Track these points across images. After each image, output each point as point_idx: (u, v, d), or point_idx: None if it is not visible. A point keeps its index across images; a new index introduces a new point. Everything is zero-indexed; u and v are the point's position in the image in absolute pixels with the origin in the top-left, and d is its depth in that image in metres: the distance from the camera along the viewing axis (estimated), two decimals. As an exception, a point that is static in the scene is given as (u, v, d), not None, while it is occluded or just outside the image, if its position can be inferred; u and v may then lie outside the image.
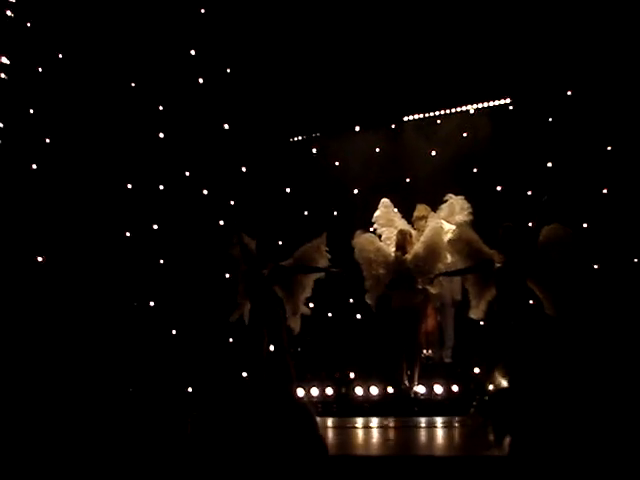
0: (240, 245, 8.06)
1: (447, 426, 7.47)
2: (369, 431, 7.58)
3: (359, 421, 8.14)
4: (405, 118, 10.99)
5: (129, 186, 10.43)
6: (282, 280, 8.01)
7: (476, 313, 7.57)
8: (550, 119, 9.91)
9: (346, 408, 8.76)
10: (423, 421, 7.81)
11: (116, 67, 10.25)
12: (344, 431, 7.57)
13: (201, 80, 10.75)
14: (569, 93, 9.82)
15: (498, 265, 7.32)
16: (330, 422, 8.10)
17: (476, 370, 8.44)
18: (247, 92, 10.73)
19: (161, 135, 10.63)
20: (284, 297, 8.06)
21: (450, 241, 7.94)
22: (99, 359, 9.31)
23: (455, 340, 9.14)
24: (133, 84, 10.49)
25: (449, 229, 8.42)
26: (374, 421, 8.05)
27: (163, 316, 10.17)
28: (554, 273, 7.20)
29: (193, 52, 10.67)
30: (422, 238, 8.48)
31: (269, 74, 10.63)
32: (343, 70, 10.38)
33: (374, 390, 8.76)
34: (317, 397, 8.93)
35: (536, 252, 7.26)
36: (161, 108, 10.68)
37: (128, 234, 10.27)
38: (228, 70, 10.86)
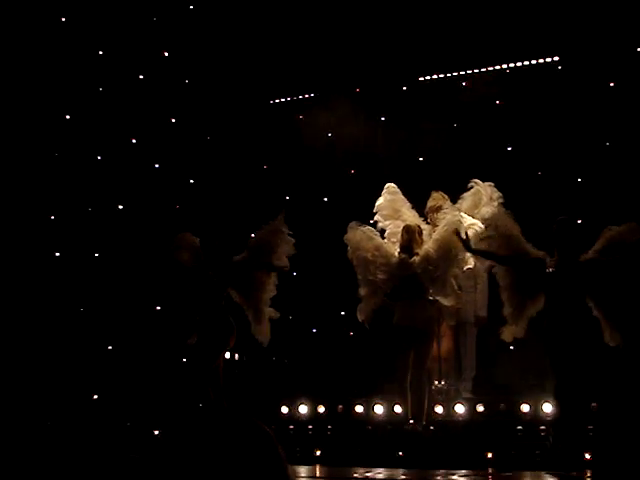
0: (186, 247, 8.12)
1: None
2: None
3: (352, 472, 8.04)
4: (421, 78, 10.93)
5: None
6: (236, 281, 8.11)
7: (513, 333, 7.42)
8: (612, 84, 9.86)
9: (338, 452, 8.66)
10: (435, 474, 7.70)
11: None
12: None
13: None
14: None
15: (551, 269, 7.13)
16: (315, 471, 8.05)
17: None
18: (214, 35, 10.73)
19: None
20: (242, 302, 8.23)
21: (478, 235, 7.85)
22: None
23: (477, 369, 9.09)
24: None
25: (471, 224, 8.32)
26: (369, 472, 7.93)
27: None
28: (624, 290, 7.07)
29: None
30: (435, 235, 8.40)
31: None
32: (341, 12, 10.34)
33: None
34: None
35: (600, 260, 7.14)
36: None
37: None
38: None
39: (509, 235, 7.37)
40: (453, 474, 7.38)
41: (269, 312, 8.31)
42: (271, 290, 8.31)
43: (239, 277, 8.14)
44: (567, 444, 6.92)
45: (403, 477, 7.50)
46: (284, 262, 8.42)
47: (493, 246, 7.55)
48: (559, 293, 7.04)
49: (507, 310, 7.44)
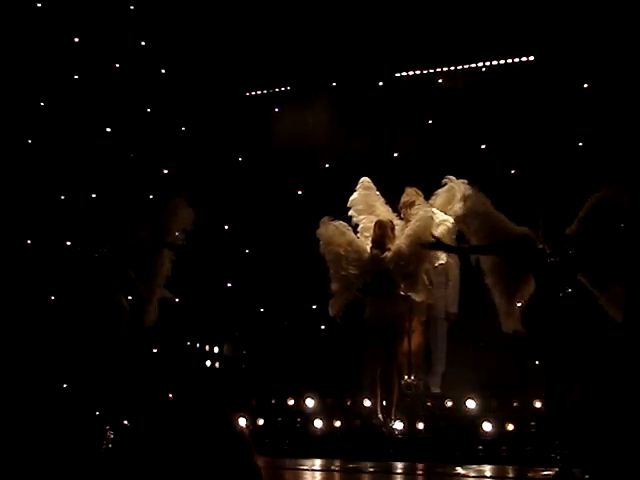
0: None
1: (430, 474, 7.44)
2: (329, 477, 7.51)
3: (317, 463, 8.08)
4: (397, 74, 10.96)
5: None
6: (133, 260, 8.01)
7: (511, 323, 7.03)
8: (586, 85, 9.94)
9: (302, 446, 8.74)
10: (400, 467, 7.75)
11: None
12: (295, 475, 7.51)
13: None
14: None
15: (541, 246, 6.65)
16: (281, 463, 8.01)
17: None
18: (191, 25, 10.70)
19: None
20: (137, 281, 8.10)
21: (451, 232, 7.87)
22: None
23: (447, 365, 9.14)
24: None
25: (443, 220, 8.37)
26: (336, 464, 7.99)
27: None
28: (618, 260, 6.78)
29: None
30: (407, 230, 8.40)
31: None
32: (321, 6, 10.36)
33: (338, 424, 8.72)
34: (264, 430, 8.91)
35: (587, 230, 6.78)
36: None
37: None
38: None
39: (486, 212, 7.05)
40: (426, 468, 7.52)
41: (163, 292, 8.25)
42: (166, 270, 8.15)
43: (136, 256, 8.00)
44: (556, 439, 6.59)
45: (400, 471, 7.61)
46: (176, 239, 8.30)
47: (471, 229, 7.20)
48: (551, 272, 6.56)
49: (497, 298, 7.07)
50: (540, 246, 6.66)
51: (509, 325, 7.08)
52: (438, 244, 7.57)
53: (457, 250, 7.87)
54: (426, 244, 7.65)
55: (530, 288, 6.84)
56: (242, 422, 8.67)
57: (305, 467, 7.79)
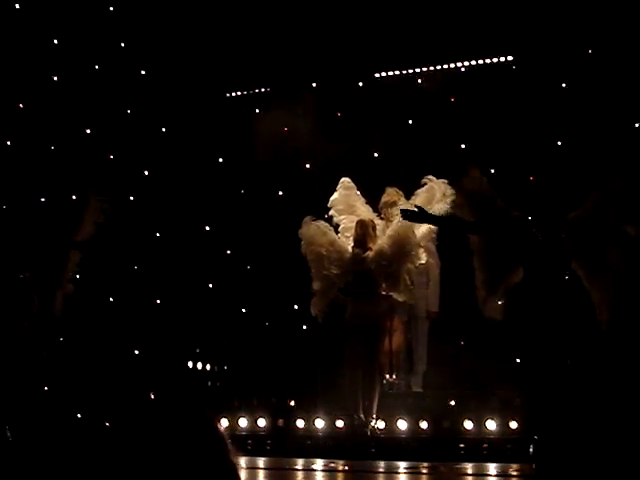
0: None
1: (412, 472, 7.48)
2: (310, 476, 7.54)
3: (299, 462, 8.10)
4: (377, 75, 11.00)
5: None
6: (44, 255, 8.02)
7: (492, 311, 6.90)
8: (564, 84, 10.01)
9: (284, 445, 8.74)
10: (382, 465, 7.80)
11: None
12: (277, 474, 7.53)
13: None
14: (590, 51, 9.92)
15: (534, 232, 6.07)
16: (262, 462, 8.05)
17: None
18: (172, 27, 10.68)
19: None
20: (47, 276, 8.10)
21: (431, 232, 7.91)
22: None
23: (427, 364, 9.16)
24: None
25: (424, 220, 8.43)
26: (318, 463, 8.01)
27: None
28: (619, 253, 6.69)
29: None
30: (388, 231, 8.47)
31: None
32: (302, 7, 10.38)
33: (320, 423, 8.72)
34: (246, 430, 8.91)
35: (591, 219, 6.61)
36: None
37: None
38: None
39: (480, 193, 6.82)
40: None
41: (68, 288, 8.29)
42: (72, 267, 8.28)
43: (46, 252, 8.00)
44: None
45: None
46: (86, 235, 8.34)
47: (467, 210, 7.01)
48: (543, 259, 5.99)
49: (480, 282, 6.90)
50: (534, 231, 6.09)
51: (489, 311, 7.00)
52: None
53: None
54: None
55: (517, 278, 6.47)
56: (224, 423, 8.70)
57: (287, 467, 7.83)
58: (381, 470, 7.65)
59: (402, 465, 7.73)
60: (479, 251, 6.94)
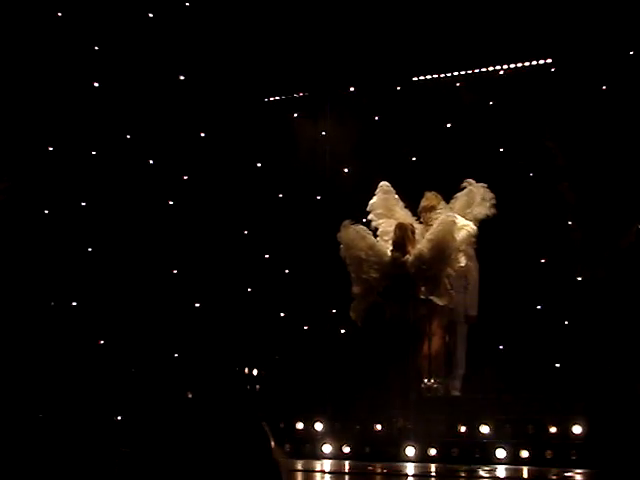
0: None
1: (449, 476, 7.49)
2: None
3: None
4: (415, 78, 11.03)
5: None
6: None
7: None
8: (604, 87, 9.98)
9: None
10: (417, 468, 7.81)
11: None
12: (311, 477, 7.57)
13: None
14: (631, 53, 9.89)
15: None
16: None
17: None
18: (210, 32, 10.78)
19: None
20: None
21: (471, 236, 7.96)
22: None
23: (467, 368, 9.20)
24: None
25: (464, 225, 8.45)
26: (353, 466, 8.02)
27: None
28: None
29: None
30: (428, 234, 8.49)
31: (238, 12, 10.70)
32: (338, 11, 10.42)
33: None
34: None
35: None
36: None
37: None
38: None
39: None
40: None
41: None
42: None
43: None
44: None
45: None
46: None
47: None
48: None
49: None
50: None
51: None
52: None
53: None
54: None
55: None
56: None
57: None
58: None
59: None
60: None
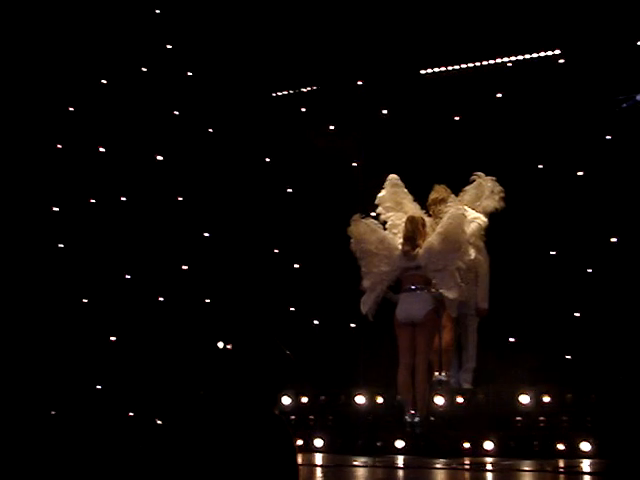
0: None
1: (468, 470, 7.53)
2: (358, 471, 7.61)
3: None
4: (422, 71, 11.04)
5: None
6: None
7: None
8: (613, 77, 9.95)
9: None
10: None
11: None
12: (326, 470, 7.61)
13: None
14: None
15: None
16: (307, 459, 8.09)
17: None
18: (217, 28, 10.81)
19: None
20: None
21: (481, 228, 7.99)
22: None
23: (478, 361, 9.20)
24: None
25: (474, 217, 8.49)
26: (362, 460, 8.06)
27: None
28: None
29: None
30: (438, 228, 8.49)
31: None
32: (346, 5, 10.44)
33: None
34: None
35: None
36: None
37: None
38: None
39: None
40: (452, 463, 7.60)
41: None
42: None
43: None
44: None
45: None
46: None
47: None
48: None
49: None
50: None
51: None
52: None
53: None
54: None
55: None
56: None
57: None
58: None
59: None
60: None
